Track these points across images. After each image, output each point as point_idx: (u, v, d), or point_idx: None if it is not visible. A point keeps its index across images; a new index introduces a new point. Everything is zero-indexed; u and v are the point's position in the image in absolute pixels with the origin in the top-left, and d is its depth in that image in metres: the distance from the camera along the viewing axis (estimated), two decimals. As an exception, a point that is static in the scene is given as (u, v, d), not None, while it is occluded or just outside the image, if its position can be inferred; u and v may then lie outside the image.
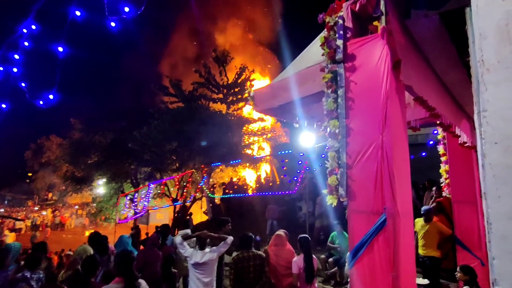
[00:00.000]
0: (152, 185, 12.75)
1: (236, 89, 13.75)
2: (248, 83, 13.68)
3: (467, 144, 4.35)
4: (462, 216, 4.77)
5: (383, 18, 2.33)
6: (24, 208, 36.41)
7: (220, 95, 13.86)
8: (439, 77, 3.16)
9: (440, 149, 5.29)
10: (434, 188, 6.07)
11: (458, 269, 3.73)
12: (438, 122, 3.62)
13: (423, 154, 8.29)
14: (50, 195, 43.72)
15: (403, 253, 2.04)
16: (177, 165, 12.75)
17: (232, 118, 12.65)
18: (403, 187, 2.20)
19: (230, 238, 3.92)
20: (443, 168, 5.26)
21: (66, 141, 18.50)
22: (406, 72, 2.34)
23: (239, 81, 13.78)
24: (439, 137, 5.32)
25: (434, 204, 5.45)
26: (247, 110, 14.52)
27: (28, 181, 43.36)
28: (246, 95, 13.53)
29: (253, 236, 4.21)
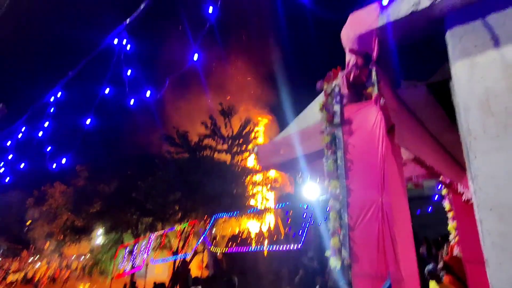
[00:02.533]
0: (153, 236, 12.42)
1: (241, 140, 14.13)
2: (252, 134, 14.12)
3: (471, 202, 4.32)
4: (477, 278, 4.51)
5: (375, 86, 2.55)
6: (18, 258, 34.92)
7: (225, 146, 14.21)
8: (435, 138, 3.30)
9: (446, 204, 5.22)
10: (445, 246, 5.85)
11: None
12: (440, 178, 3.67)
13: (429, 209, 8.13)
14: (47, 244, 42.28)
15: (411, 324, 1.95)
16: (180, 215, 12.56)
17: (236, 168, 12.79)
18: (406, 249, 2.19)
19: None
20: (451, 225, 5.13)
21: (70, 188, 18.57)
22: (400, 135, 2.48)
23: (243, 133, 14.23)
24: (443, 192, 5.28)
25: (441, 264, 5.20)
26: (252, 161, 14.72)
27: (26, 229, 42.37)
28: (250, 146, 13.88)
29: None
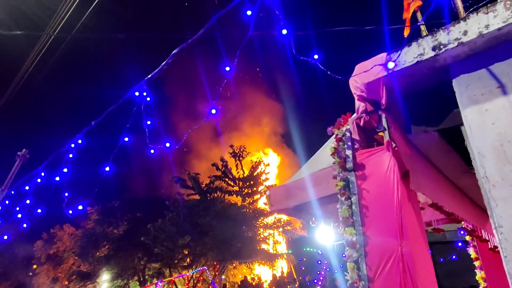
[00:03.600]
0: (159, 284, 11.87)
1: (251, 182, 14.04)
2: (263, 175, 14.05)
3: (498, 249, 4.05)
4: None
5: (386, 132, 2.58)
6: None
7: (236, 188, 14.11)
8: (453, 182, 3.22)
9: (471, 252, 4.90)
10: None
11: None
12: (462, 225, 3.51)
13: (454, 257, 7.61)
14: (50, 291, 40.74)
15: None
16: (189, 261, 12.11)
17: (247, 210, 12.54)
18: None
19: None
20: (479, 275, 4.76)
21: (78, 231, 18.39)
22: (416, 181, 2.44)
23: (254, 174, 14.20)
24: (467, 238, 5.00)
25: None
26: (262, 203, 14.46)
27: (30, 274, 41.22)
28: (262, 188, 13.73)
29: None
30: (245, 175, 14.27)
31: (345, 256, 2.43)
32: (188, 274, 11.74)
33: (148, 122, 3.15)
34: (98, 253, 14.60)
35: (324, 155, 3.83)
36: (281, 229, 14.56)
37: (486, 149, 1.85)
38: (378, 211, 2.36)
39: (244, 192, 13.89)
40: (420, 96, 2.63)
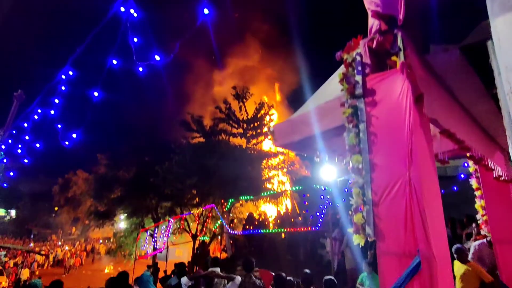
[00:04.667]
0: (172, 220, 12.72)
1: (256, 124, 13.99)
2: (267, 117, 13.94)
3: (502, 178, 4.06)
4: (507, 257, 4.31)
5: (401, 53, 2.34)
6: (48, 243, 37.08)
7: (240, 130, 14.13)
8: (466, 109, 3.06)
9: (473, 182, 4.97)
10: (473, 225, 5.60)
11: None
12: (468, 155, 3.44)
13: (455, 188, 7.81)
14: (73, 229, 44.61)
15: (443, 302, 1.84)
16: (197, 200, 12.75)
17: (252, 152, 12.74)
18: (436, 227, 2.05)
19: (238, 278, 3.74)
20: (479, 203, 4.89)
21: (91, 176, 19.23)
22: (429, 106, 2.28)
23: (258, 115, 14.07)
24: (471, 169, 5.01)
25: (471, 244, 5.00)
26: (267, 144, 14.61)
27: (54, 215, 44.76)
28: (266, 129, 13.74)
29: (288, 278, 4.03)
30: (249, 117, 14.17)
31: (347, 191, 2.44)
32: (198, 211, 12.48)
33: (135, 39, 2.90)
34: (111, 196, 15.44)
35: (331, 87, 3.62)
36: (285, 170, 14.99)
37: (516, 62, 1.65)
38: (387, 138, 2.26)
39: (248, 134, 13.96)
40: (443, 8, 2.31)
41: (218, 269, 4.76)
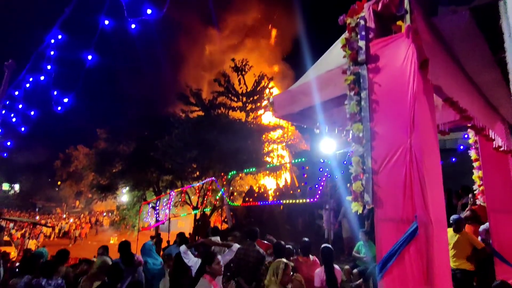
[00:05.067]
0: (173, 193, 12.94)
1: (255, 97, 13.81)
2: (267, 90, 13.72)
3: (502, 148, 4.06)
4: (500, 226, 4.42)
5: (407, 16, 2.23)
6: (53, 216, 38.08)
7: (239, 103, 13.97)
8: (470, 77, 2.98)
9: (472, 154, 4.98)
10: (470, 195, 5.70)
11: None
12: (469, 125, 3.41)
13: (453, 159, 7.86)
14: (77, 203, 45.64)
15: (437, 265, 1.89)
16: (198, 173, 12.88)
17: (252, 125, 12.68)
18: (435, 194, 2.06)
19: (235, 246, 3.85)
20: (476, 174, 4.93)
21: (92, 150, 19.32)
22: (434, 72, 2.22)
23: (258, 89, 13.85)
24: (471, 141, 5.01)
25: (468, 212, 5.11)
26: (266, 118, 14.51)
27: (57, 189, 45.62)
28: (265, 102, 13.58)
29: (286, 245, 4.16)
30: (248, 90, 13.95)
31: (346, 163, 2.43)
32: (198, 184, 12.67)
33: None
34: (113, 170, 15.59)
35: (332, 55, 3.50)
36: (284, 143, 15.03)
37: (529, 22, 1.56)
38: (389, 105, 2.21)
39: (248, 108, 13.82)
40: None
41: (218, 238, 4.89)
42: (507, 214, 4.40)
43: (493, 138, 3.85)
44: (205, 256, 3.23)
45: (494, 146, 3.97)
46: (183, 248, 3.84)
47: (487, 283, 4.16)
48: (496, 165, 4.56)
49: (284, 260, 3.27)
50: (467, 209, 5.49)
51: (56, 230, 25.73)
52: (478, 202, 5.07)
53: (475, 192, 5.12)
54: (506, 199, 4.43)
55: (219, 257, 3.26)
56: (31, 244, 17.15)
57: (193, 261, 3.69)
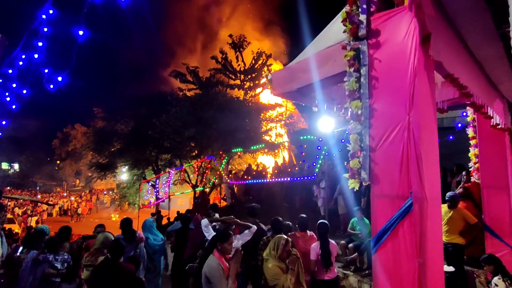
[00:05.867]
0: (172, 172, 13.05)
1: (253, 75, 13.58)
2: (265, 68, 13.47)
3: (500, 126, 4.07)
4: (492, 202, 4.53)
5: (411, -12, 2.15)
6: (54, 194, 38.57)
7: (237, 81, 13.75)
8: (472, 53, 2.92)
9: (470, 132, 5.00)
10: (464, 173, 5.78)
11: (481, 262, 3.61)
12: (469, 102, 3.39)
13: (450, 137, 7.89)
14: (77, 181, 46.09)
15: (430, 239, 1.95)
16: (196, 152, 12.92)
17: (250, 104, 12.56)
18: (431, 171, 2.08)
19: (254, 227, 3.92)
20: (472, 152, 4.98)
21: (90, 129, 19.21)
22: (436, 47, 2.17)
23: (256, 66, 13.58)
24: (469, 119, 5.01)
25: (461, 189, 5.20)
26: (265, 97, 14.35)
27: (56, 168, 45.89)
28: (264, 80, 13.37)
29: (285, 222, 4.24)
30: (246, 68, 13.69)
31: (344, 141, 2.42)
32: (196, 163, 12.75)
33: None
34: (111, 148, 15.57)
35: (332, 31, 3.40)
36: (282, 122, 14.97)
37: (536, -7, 1.51)
38: (389, 82, 2.18)
39: (246, 86, 13.63)
40: None
41: (217, 215, 4.99)
42: (499, 190, 4.50)
43: (491, 116, 3.84)
44: (221, 233, 3.22)
45: (491, 123, 3.97)
46: (205, 221, 3.91)
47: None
48: (492, 142, 4.60)
49: (285, 236, 3.35)
50: (460, 186, 5.58)
51: (57, 208, 26.16)
52: (472, 179, 5.15)
53: (470, 170, 5.19)
54: (500, 176, 4.51)
55: (233, 237, 3.25)
56: (33, 221, 17.49)
57: (212, 235, 3.75)
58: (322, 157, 8.04)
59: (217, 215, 4.87)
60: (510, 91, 4.07)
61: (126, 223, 4.87)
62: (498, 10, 2.06)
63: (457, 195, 4.73)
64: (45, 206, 23.25)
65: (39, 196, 33.85)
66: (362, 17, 2.32)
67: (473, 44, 2.72)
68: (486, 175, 4.64)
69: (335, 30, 3.08)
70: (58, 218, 23.66)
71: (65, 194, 36.88)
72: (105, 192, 36.11)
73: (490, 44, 2.72)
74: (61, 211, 26.23)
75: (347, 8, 2.45)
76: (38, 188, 43.61)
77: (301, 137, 11.36)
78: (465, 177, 5.64)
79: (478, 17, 2.32)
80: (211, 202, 11.34)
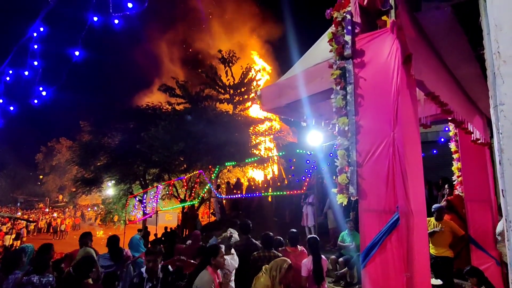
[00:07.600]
0: (160, 186, 12.82)
1: (243, 89, 13.73)
2: (255, 82, 13.66)
3: (480, 141, 4.24)
4: (476, 215, 4.64)
5: (392, 11, 2.28)
6: (36, 210, 37.09)
7: (227, 96, 13.86)
8: (451, 71, 3.08)
9: (452, 146, 5.17)
10: (446, 186, 5.93)
11: (465, 274, 3.68)
12: (450, 118, 3.53)
13: (434, 151, 8.12)
14: (60, 197, 44.56)
15: (417, 253, 1.98)
16: (185, 166, 12.79)
17: (239, 118, 12.64)
18: (416, 185, 2.15)
19: (233, 251, 3.93)
20: (456, 165, 5.14)
21: (75, 143, 18.76)
22: (417, 67, 2.28)
23: (245, 81, 13.76)
24: (451, 134, 5.20)
25: (444, 202, 5.32)
26: (254, 111, 14.48)
27: (39, 183, 44.33)
28: (253, 95, 13.53)
29: (276, 237, 4.21)
30: (235, 82, 13.85)
31: (332, 155, 2.48)
32: (185, 177, 12.59)
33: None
34: (97, 163, 15.20)
35: (320, 49, 3.53)
36: (272, 136, 15.08)
37: (505, 20, 1.63)
38: (373, 99, 2.27)
39: (235, 100, 13.74)
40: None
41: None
42: (482, 203, 4.62)
43: (471, 131, 4.00)
44: (210, 249, 3.25)
45: (472, 138, 4.13)
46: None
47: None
48: (474, 157, 4.76)
49: (289, 260, 3.26)
50: (443, 199, 5.71)
51: (40, 225, 25.11)
52: (456, 192, 5.29)
53: (454, 183, 5.33)
54: (482, 189, 4.65)
55: (222, 249, 3.29)
56: (7, 240, 16.71)
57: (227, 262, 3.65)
58: (312, 171, 8.10)
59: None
60: (488, 107, 4.26)
61: (112, 241, 4.71)
62: (474, 34, 2.20)
63: (443, 207, 4.83)
64: (24, 223, 22.27)
65: (19, 213, 32.45)
66: (347, 38, 2.43)
67: (452, 64, 2.87)
68: (469, 188, 4.77)
69: (322, 49, 3.20)
70: (40, 236, 22.69)
71: (47, 210, 35.53)
72: (89, 209, 34.98)
73: (467, 64, 2.87)
74: (43, 228, 25.18)
75: (333, 29, 2.56)
76: (18, 204, 41.86)
77: (297, 151, 11.43)
78: (447, 190, 5.78)
79: (455, 39, 2.47)
80: (200, 217, 11.15)
